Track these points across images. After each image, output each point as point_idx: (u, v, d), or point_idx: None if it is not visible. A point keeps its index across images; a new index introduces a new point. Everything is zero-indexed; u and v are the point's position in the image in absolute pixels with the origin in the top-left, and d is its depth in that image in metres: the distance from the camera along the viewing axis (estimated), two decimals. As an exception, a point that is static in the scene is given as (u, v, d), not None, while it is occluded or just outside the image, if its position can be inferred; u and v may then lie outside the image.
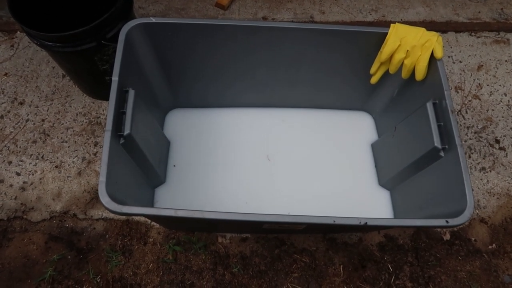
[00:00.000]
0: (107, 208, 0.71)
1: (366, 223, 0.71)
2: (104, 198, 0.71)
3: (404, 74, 0.93)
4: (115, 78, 0.81)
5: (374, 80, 1.00)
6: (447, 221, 0.73)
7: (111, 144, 0.76)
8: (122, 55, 0.83)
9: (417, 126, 0.91)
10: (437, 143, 0.83)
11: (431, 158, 0.87)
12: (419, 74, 0.89)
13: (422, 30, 0.88)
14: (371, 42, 0.93)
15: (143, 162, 0.93)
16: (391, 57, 0.91)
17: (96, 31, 0.96)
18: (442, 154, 0.84)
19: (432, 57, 0.87)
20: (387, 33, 0.90)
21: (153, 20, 0.88)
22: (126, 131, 0.80)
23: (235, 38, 0.93)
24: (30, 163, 1.16)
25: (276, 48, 0.97)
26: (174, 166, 1.10)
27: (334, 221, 0.72)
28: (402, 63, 0.91)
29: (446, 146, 0.83)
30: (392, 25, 0.90)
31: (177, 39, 0.93)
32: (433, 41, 0.86)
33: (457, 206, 0.76)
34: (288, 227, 0.88)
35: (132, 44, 0.89)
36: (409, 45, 0.87)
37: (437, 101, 0.86)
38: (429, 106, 0.86)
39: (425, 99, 0.89)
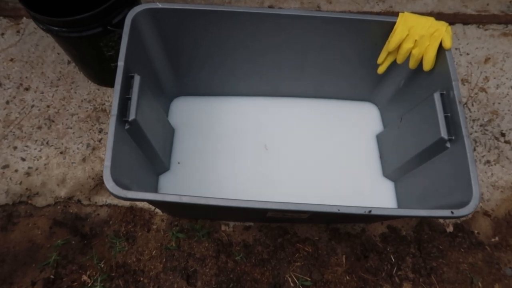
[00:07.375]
0: (111, 193, 0.71)
1: (371, 211, 0.71)
2: (109, 183, 0.71)
3: (412, 64, 0.92)
4: (120, 63, 0.81)
5: (381, 70, 0.99)
6: (452, 212, 0.72)
7: (116, 129, 0.76)
8: (128, 40, 0.83)
9: (423, 116, 0.91)
10: (443, 133, 0.83)
11: (437, 149, 0.87)
12: (427, 64, 0.88)
13: (431, 19, 0.87)
14: (378, 31, 0.92)
15: (148, 148, 0.93)
16: (399, 46, 0.91)
17: (102, 17, 0.96)
18: (448, 145, 0.84)
19: (440, 47, 0.86)
20: (395, 22, 0.89)
21: (159, 5, 0.88)
22: (131, 116, 0.80)
23: (242, 25, 0.93)
24: (35, 149, 1.17)
25: (283, 36, 0.96)
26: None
27: (338, 210, 0.72)
28: (410, 53, 0.90)
29: (453, 137, 0.83)
30: (400, 14, 0.89)
31: (183, 25, 0.92)
32: (442, 31, 0.85)
33: (462, 197, 0.76)
34: (291, 215, 0.88)
35: (138, 29, 0.88)
36: (417, 35, 0.86)
37: (444, 92, 0.86)
38: (437, 96, 0.86)
39: (432, 89, 0.88)
